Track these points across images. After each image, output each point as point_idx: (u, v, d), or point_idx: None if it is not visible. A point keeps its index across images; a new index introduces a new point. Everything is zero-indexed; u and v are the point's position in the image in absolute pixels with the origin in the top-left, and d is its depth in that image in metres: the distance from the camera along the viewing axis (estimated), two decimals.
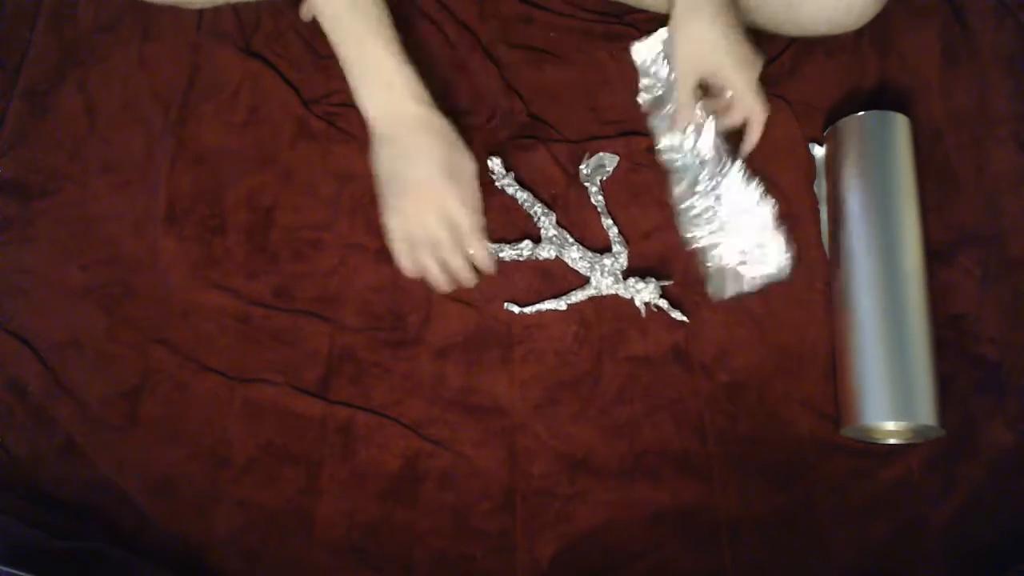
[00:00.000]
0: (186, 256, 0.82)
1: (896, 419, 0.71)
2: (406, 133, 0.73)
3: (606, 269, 0.80)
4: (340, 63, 0.75)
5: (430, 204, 0.72)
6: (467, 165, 0.74)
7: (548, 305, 0.80)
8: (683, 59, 0.76)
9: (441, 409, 0.77)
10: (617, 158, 0.84)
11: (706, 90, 0.78)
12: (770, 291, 0.80)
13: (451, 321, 0.80)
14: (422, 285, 0.81)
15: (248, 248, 0.83)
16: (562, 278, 0.81)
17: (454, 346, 0.79)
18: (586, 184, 0.84)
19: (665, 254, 0.82)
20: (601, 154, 0.85)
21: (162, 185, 0.84)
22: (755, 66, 0.76)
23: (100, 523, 0.73)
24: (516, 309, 0.80)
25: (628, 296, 0.79)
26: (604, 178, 0.84)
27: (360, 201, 0.84)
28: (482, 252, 0.74)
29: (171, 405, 0.77)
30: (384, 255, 0.82)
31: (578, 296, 0.80)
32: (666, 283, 0.79)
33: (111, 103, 0.89)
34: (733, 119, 0.78)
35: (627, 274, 0.80)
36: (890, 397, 0.71)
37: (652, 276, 0.79)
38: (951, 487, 0.73)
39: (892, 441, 0.75)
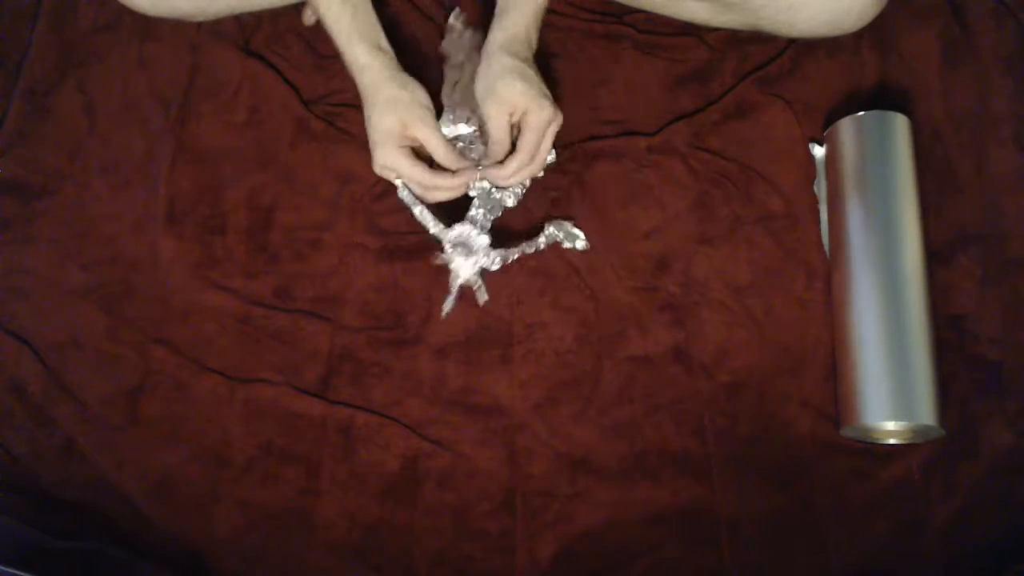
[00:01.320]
0: (186, 256, 0.82)
1: (896, 419, 0.71)
2: (367, 102, 0.79)
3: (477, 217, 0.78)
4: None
5: (383, 171, 0.79)
6: (416, 123, 0.77)
7: (406, 197, 0.79)
8: (495, 91, 0.76)
9: (441, 409, 0.77)
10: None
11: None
12: (770, 291, 0.80)
13: (451, 321, 0.79)
14: (422, 285, 0.81)
15: (248, 248, 0.83)
16: (563, 278, 0.81)
17: (454, 346, 0.79)
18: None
19: (665, 254, 0.82)
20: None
21: (162, 185, 0.84)
22: (553, 114, 0.76)
23: (100, 523, 0.73)
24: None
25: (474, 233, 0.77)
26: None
27: (360, 201, 0.84)
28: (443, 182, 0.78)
29: (171, 405, 0.77)
30: (384, 255, 0.82)
31: (430, 222, 0.78)
32: (479, 284, 0.77)
33: (111, 103, 0.89)
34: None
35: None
36: (890, 397, 0.71)
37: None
38: (951, 487, 0.73)
39: (892, 441, 0.75)
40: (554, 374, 0.78)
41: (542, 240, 0.80)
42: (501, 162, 0.78)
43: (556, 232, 0.80)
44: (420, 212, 0.79)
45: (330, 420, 0.77)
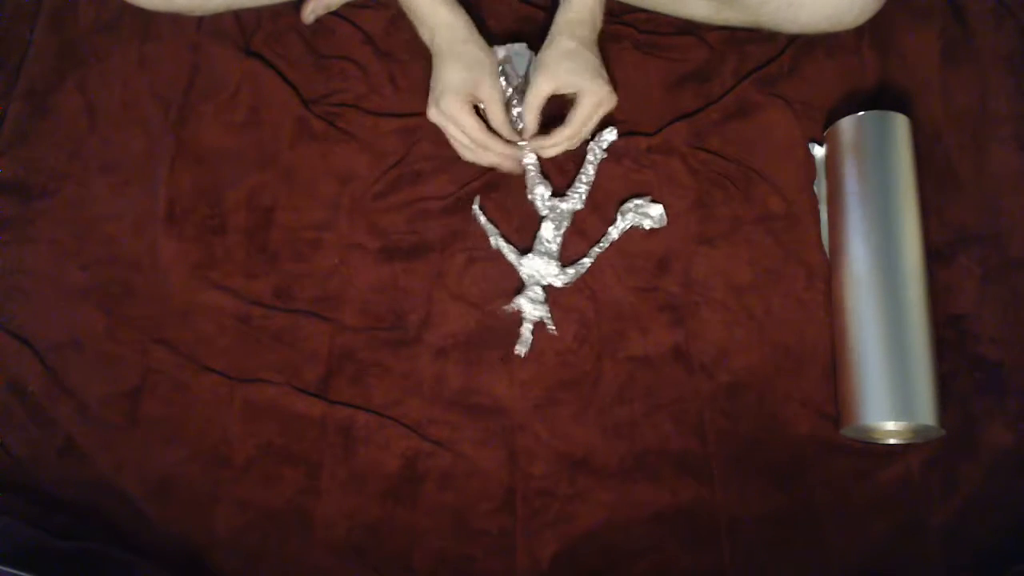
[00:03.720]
0: (186, 256, 0.82)
1: (896, 419, 0.71)
2: (437, 56, 0.83)
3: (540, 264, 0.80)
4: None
5: (440, 117, 0.81)
6: (482, 78, 0.81)
7: (487, 225, 0.82)
8: (548, 66, 0.80)
9: (441, 409, 0.77)
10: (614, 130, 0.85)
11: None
12: (770, 291, 0.80)
13: (451, 321, 0.80)
14: (422, 285, 0.81)
15: (248, 248, 0.83)
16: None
17: (454, 346, 0.79)
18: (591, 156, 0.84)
19: (665, 254, 0.82)
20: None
21: (162, 185, 0.84)
22: (608, 93, 0.80)
23: (100, 523, 0.73)
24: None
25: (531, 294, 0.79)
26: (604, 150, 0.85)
27: (360, 201, 0.84)
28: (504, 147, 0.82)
29: (171, 405, 0.77)
30: (384, 255, 0.82)
31: (506, 251, 0.81)
32: (546, 318, 0.78)
33: (111, 103, 0.89)
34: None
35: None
36: (890, 397, 0.71)
37: (547, 311, 0.79)
38: (951, 487, 0.73)
39: (892, 441, 0.75)
40: (554, 374, 0.78)
41: (614, 232, 0.82)
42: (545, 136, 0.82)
43: (630, 218, 0.82)
44: (495, 241, 0.81)
45: (330, 420, 0.77)
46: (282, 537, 0.73)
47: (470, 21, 0.83)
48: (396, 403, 0.77)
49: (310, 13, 0.90)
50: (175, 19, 0.90)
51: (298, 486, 0.75)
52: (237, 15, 0.91)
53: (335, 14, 0.92)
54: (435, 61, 0.82)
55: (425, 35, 0.84)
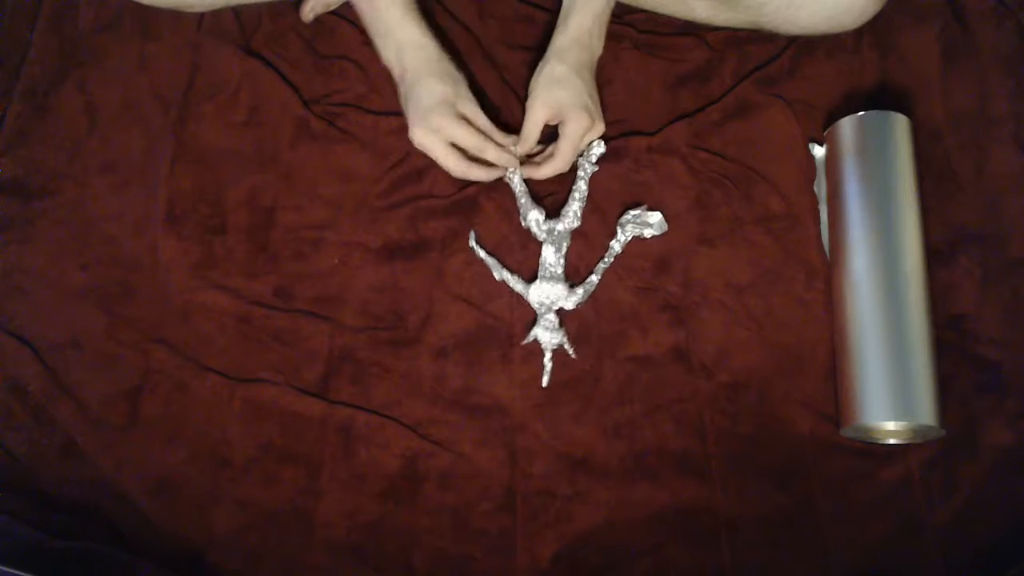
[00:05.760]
0: (186, 256, 0.82)
1: (896, 419, 0.71)
2: (410, 76, 0.82)
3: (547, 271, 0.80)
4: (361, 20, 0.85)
5: (429, 136, 0.80)
6: (452, 96, 0.80)
7: (488, 259, 0.81)
8: (537, 94, 0.80)
9: (441, 409, 0.77)
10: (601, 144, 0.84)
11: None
12: (770, 291, 0.80)
13: (451, 321, 0.80)
14: (422, 285, 0.81)
15: (248, 248, 0.83)
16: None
17: (454, 346, 0.79)
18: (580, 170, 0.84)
19: (665, 254, 0.82)
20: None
21: (162, 185, 0.84)
22: (593, 122, 0.80)
23: (100, 523, 0.73)
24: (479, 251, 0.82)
25: (544, 316, 0.79)
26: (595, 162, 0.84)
27: (361, 200, 0.84)
28: (496, 154, 0.81)
29: (171, 405, 0.77)
30: (384, 255, 0.82)
31: (512, 282, 0.80)
32: (565, 344, 0.78)
33: (111, 103, 0.89)
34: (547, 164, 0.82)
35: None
36: (890, 397, 0.71)
37: (563, 332, 0.78)
38: (951, 487, 0.73)
39: (892, 441, 0.75)
40: (554, 374, 0.78)
41: (617, 247, 0.81)
42: (531, 160, 0.83)
43: (630, 230, 0.82)
44: (500, 274, 0.81)
45: (330, 420, 0.77)
46: (282, 537, 0.73)
47: (439, 43, 0.83)
48: (396, 403, 0.77)
49: (309, 12, 0.90)
50: (175, 19, 0.90)
51: (298, 486, 0.75)
52: (237, 14, 0.91)
53: (335, 14, 0.92)
54: (408, 82, 0.81)
55: (390, 54, 0.82)
